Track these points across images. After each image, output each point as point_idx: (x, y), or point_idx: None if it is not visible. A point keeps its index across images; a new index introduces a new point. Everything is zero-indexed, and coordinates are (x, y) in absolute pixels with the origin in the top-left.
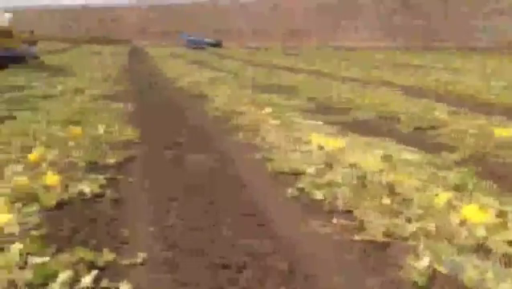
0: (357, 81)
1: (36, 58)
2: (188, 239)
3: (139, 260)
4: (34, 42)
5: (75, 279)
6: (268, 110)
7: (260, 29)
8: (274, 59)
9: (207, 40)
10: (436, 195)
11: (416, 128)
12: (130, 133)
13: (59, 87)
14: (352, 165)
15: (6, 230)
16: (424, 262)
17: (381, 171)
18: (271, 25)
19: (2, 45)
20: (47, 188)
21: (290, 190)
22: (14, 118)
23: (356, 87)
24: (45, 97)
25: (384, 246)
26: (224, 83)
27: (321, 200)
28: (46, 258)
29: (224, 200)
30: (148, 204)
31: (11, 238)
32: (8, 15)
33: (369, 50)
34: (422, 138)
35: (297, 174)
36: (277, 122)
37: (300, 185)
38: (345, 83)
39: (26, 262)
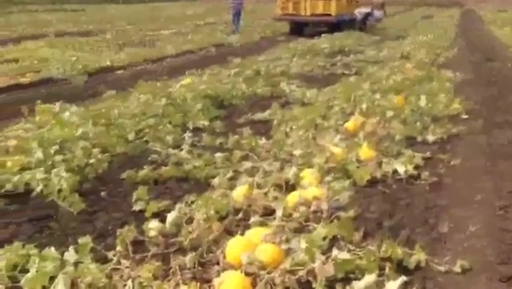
0: None
1: (378, 21)
2: None
3: (457, 268)
4: (381, 6)
5: (380, 281)
6: None
7: None
8: None
9: None
10: None
11: None
12: (457, 107)
13: (386, 52)
14: None
15: (313, 207)
16: None
17: None
18: None
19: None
20: (361, 162)
21: None
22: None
23: None
24: (372, 62)
25: None
26: None
27: None
28: (351, 248)
29: None
30: (474, 194)
31: (317, 217)
32: None
33: None
34: None
35: None
36: None
37: None
38: None
39: (331, 248)
